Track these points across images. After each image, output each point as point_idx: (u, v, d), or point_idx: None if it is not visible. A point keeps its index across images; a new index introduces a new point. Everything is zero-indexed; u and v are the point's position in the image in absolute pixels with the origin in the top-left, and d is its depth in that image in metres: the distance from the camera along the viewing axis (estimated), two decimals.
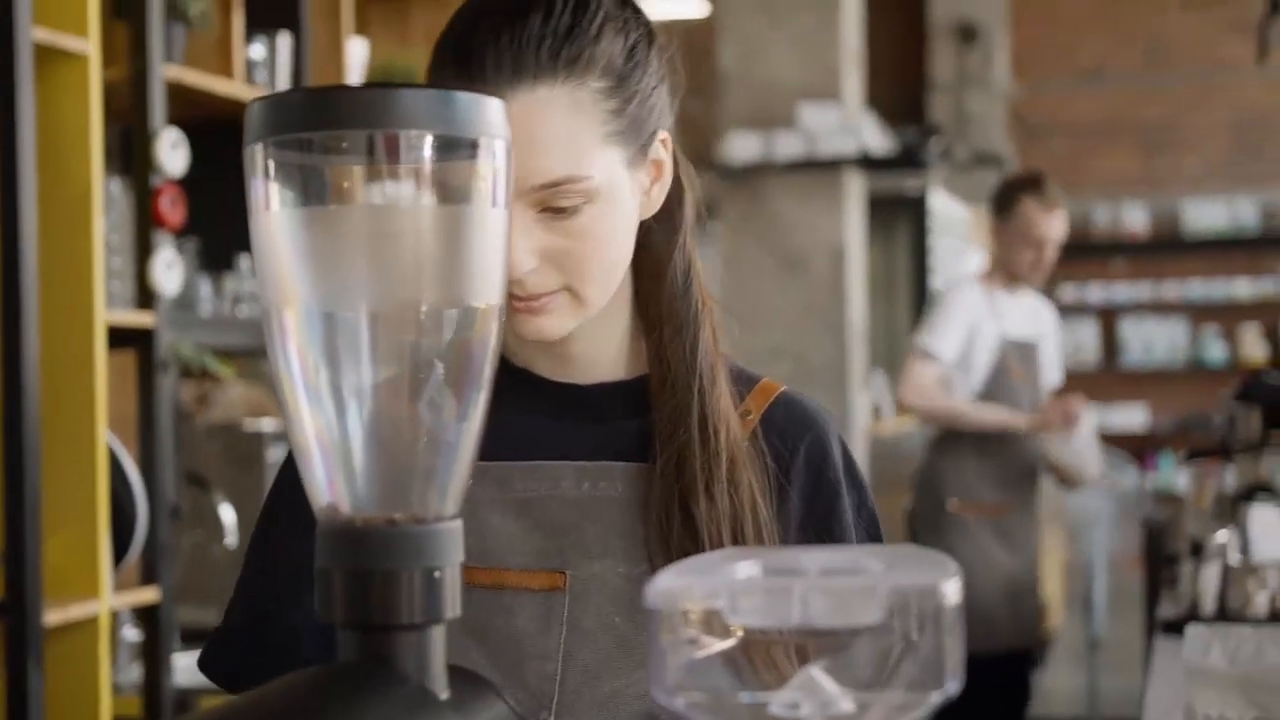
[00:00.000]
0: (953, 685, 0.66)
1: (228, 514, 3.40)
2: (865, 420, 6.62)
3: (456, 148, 0.73)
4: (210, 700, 3.01)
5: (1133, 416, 9.25)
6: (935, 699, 0.66)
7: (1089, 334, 9.36)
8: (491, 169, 0.74)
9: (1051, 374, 4.48)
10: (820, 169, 6.36)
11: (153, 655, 3.11)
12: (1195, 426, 8.84)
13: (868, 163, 6.53)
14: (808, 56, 6.41)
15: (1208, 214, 9.17)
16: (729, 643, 0.68)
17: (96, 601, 2.84)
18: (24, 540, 2.66)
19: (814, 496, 1.29)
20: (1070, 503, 6.51)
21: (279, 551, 1.29)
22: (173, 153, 3.10)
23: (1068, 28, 9.42)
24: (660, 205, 1.28)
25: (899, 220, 8.77)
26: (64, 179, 2.84)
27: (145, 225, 3.09)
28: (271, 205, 0.73)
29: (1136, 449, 8.78)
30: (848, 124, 6.39)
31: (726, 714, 0.68)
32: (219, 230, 3.31)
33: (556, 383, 1.29)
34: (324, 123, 0.71)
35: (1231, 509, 3.52)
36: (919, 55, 9.39)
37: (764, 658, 0.68)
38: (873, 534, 1.31)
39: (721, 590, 0.68)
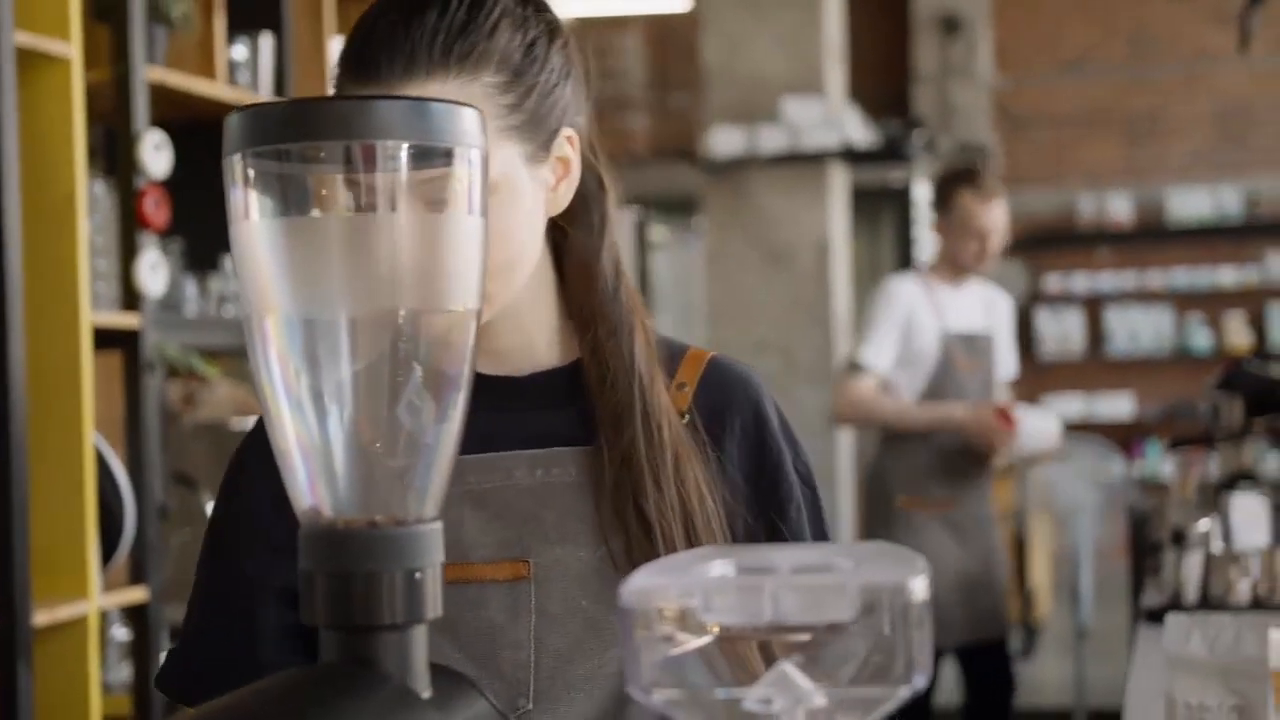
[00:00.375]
0: (920, 679, 0.67)
1: None
2: None
3: (432, 156, 0.74)
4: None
5: (1119, 405, 9.27)
6: (904, 693, 0.68)
7: (1074, 323, 9.37)
8: (467, 177, 0.75)
9: (1006, 365, 4.47)
10: (804, 162, 6.37)
11: (142, 654, 3.11)
12: (1181, 415, 8.86)
13: (852, 156, 6.53)
14: (791, 50, 6.42)
15: (1192, 203, 9.18)
16: (703, 640, 0.69)
17: (85, 601, 2.85)
18: (12, 541, 2.66)
19: (761, 457, 1.35)
20: (1057, 492, 6.52)
21: (228, 566, 1.30)
22: (156, 154, 3.10)
23: (1051, 19, 9.43)
24: (569, 203, 1.30)
25: (884, 213, 8.79)
26: (48, 182, 2.84)
27: (130, 227, 3.09)
28: (251, 215, 0.74)
29: (1123, 438, 8.80)
30: (831, 117, 6.40)
31: (702, 710, 0.69)
32: (203, 231, 3.31)
33: (494, 377, 1.31)
34: (302, 133, 0.73)
35: (1214, 497, 3.54)
36: (902, 48, 9.39)
37: (737, 654, 0.70)
38: (808, 482, 1.38)
39: (695, 589, 0.69)
